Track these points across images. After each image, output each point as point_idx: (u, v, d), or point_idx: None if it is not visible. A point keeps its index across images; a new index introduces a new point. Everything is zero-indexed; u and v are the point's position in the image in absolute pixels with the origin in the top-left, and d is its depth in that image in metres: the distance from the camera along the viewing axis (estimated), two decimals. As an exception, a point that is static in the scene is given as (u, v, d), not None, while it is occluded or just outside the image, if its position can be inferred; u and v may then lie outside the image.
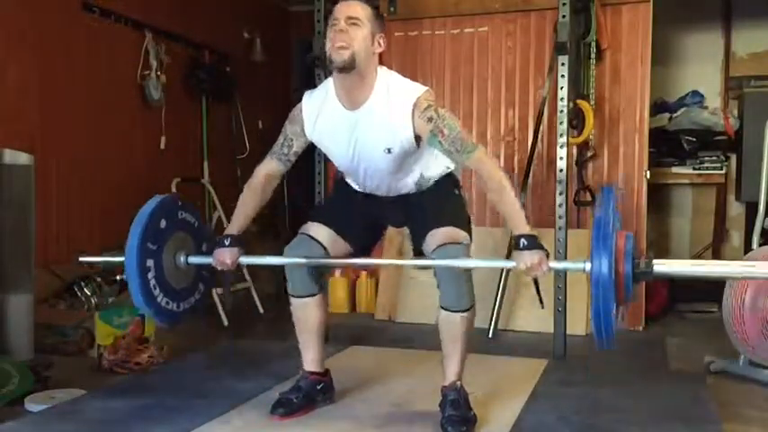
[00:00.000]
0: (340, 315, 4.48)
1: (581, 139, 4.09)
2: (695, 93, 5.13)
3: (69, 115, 4.05)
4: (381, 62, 2.33)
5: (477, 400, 2.41)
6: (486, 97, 4.48)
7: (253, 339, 3.92)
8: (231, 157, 5.41)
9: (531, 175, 4.14)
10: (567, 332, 3.40)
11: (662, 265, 2.09)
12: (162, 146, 4.72)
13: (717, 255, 5.17)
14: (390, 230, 4.40)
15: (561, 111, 3.36)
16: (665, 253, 5.30)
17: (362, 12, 2.26)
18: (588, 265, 2.02)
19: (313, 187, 3.82)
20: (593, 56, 4.16)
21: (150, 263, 2.39)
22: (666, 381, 2.97)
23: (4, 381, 2.75)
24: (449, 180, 2.49)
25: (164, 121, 4.71)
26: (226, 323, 4.29)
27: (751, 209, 4.26)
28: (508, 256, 3.98)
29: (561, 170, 3.36)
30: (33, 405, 2.66)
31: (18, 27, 3.73)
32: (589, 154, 4.27)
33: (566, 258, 3.34)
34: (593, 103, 4.14)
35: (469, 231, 2.41)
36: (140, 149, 4.58)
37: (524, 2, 4.29)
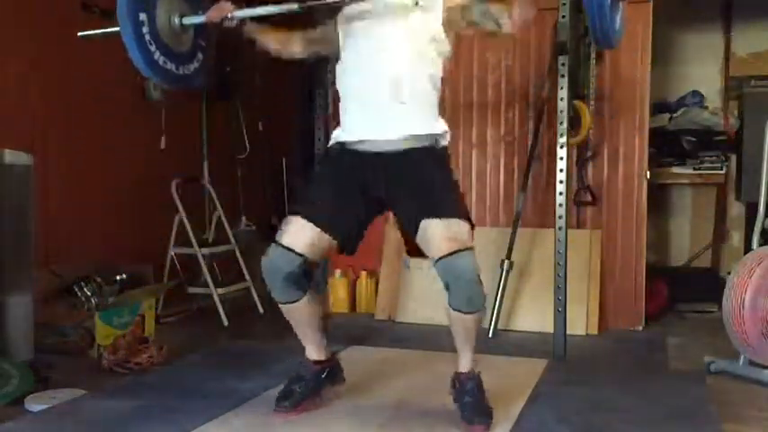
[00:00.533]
0: (340, 315, 4.48)
1: (579, 138, 4.09)
2: (695, 93, 5.13)
3: (69, 115, 4.05)
4: None
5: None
6: (487, 97, 4.47)
7: (253, 339, 3.92)
8: (231, 157, 5.41)
9: (530, 175, 4.15)
10: (567, 332, 3.40)
11: None
12: (162, 146, 4.72)
13: (717, 254, 5.17)
14: (389, 230, 4.43)
15: (561, 111, 3.36)
16: (664, 253, 5.31)
17: None
18: None
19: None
20: (593, 56, 4.15)
21: (143, 16, 2.36)
22: (666, 381, 2.97)
23: (4, 381, 2.76)
24: (441, 153, 2.41)
25: (164, 121, 4.70)
26: (226, 323, 4.29)
27: (751, 209, 4.26)
28: (509, 256, 4.00)
29: (561, 170, 3.36)
30: (33, 405, 2.67)
31: (18, 27, 3.73)
32: (589, 154, 4.27)
33: (566, 259, 3.35)
34: (592, 103, 4.14)
35: (468, 216, 2.32)
36: (140, 149, 4.58)
37: (524, 2, 4.29)
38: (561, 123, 3.37)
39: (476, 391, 2.33)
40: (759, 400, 2.84)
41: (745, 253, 3.45)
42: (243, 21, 2.49)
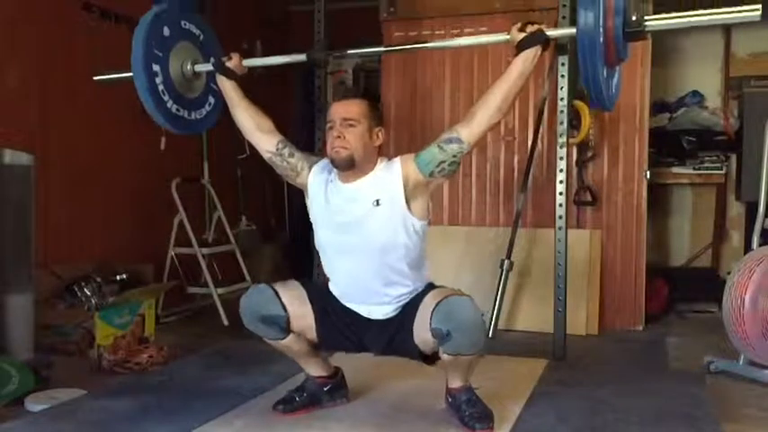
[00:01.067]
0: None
1: (580, 138, 4.09)
2: (695, 93, 5.13)
3: (69, 115, 4.05)
4: (381, 153, 2.36)
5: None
6: (486, 97, 4.46)
7: (253, 339, 3.90)
8: (231, 157, 5.40)
9: (531, 175, 4.15)
10: (567, 332, 3.40)
11: (655, 21, 2.01)
12: (162, 146, 4.71)
13: (716, 254, 5.17)
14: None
15: (561, 111, 3.36)
16: (664, 253, 5.31)
17: (358, 109, 2.29)
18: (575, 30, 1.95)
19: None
20: (593, 56, 4.15)
21: (156, 68, 2.48)
22: (666, 381, 2.97)
23: (4, 381, 2.76)
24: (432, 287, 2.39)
25: (164, 121, 4.70)
26: (226, 323, 4.29)
27: (751, 209, 4.26)
28: (509, 256, 4.00)
29: (561, 170, 3.36)
30: (33, 405, 2.67)
31: (18, 27, 3.73)
32: (589, 154, 4.27)
33: (566, 259, 3.35)
34: (593, 103, 4.14)
35: None
36: (140, 149, 4.58)
37: (524, 2, 4.29)
38: (561, 123, 3.37)
39: (471, 400, 2.32)
40: (759, 400, 2.84)
41: (745, 253, 3.45)
42: (252, 69, 2.59)
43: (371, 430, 2.32)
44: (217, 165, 5.20)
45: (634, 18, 2.07)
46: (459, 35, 4.47)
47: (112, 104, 4.36)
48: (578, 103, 4.02)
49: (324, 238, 2.40)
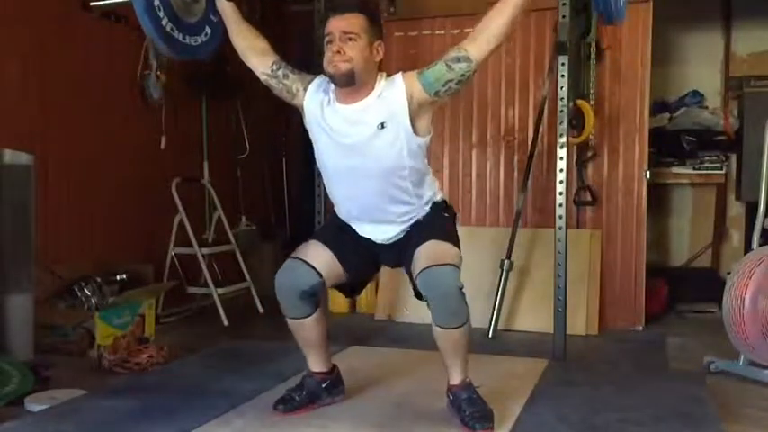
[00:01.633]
0: (340, 315, 4.48)
1: (581, 139, 4.09)
2: (695, 93, 5.13)
3: (69, 115, 4.05)
4: (381, 68, 2.30)
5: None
6: (487, 97, 4.47)
7: (253, 339, 3.92)
8: (231, 157, 5.41)
9: (531, 175, 4.15)
10: (567, 332, 3.40)
11: None
12: (162, 146, 4.71)
13: (716, 254, 5.17)
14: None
15: (561, 111, 3.37)
16: (664, 253, 5.31)
17: (357, 22, 2.22)
18: None
19: (313, 190, 3.83)
20: (593, 56, 4.16)
21: None
22: (666, 381, 2.97)
23: (4, 381, 2.75)
24: (439, 208, 2.41)
25: (164, 121, 4.70)
26: (226, 323, 4.29)
27: (751, 209, 4.26)
28: (509, 256, 4.00)
29: (561, 170, 3.36)
30: (33, 405, 2.67)
31: (18, 27, 3.73)
32: (589, 154, 4.27)
33: (566, 259, 3.35)
34: (593, 103, 4.15)
35: (457, 245, 2.33)
36: (140, 149, 4.58)
37: (524, 2, 4.29)
38: (561, 123, 3.37)
39: (472, 398, 2.31)
40: (759, 400, 2.84)
41: (745, 253, 3.45)
42: None
43: (372, 430, 2.32)
44: (217, 165, 5.20)
45: None
46: (459, 35, 4.47)
47: (112, 104, 4.37)
48: (582, 103, 4.03)
49: (325, 162, 2.36)
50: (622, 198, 4.25)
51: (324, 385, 2.50)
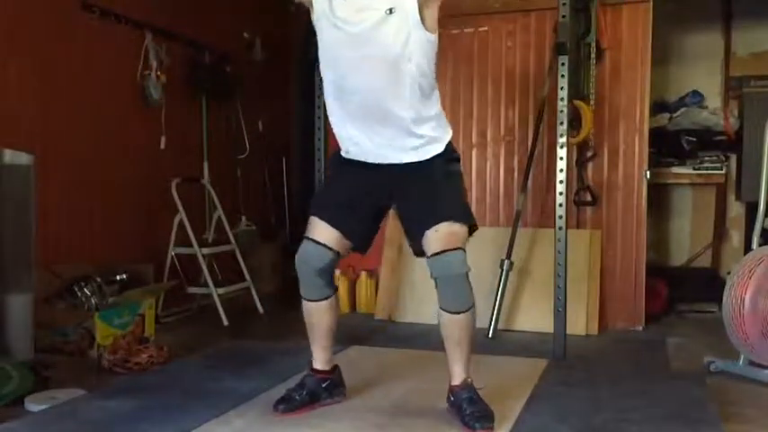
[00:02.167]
0: (340, 315, 4.45)
1: (579, 138, 4.09)
2: (695, 93, 5.13)
3: (69, 115, 4.05)
4: None
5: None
6: (486, 97, 4.48)
7: (253, 339, 3.92)
8: (231, 157, 5.41)
9: (531, 175, 4.15)
10: (567, 332, 3.40)
11: None
12: (162, 146, 4.72)
13: (716, 254, 5.17)
14: (390, 230, 4.43)
15: (561, 111, 3.36)
16: (664, 253, 5.31)
17: None
18: None
19: (313, 190, 3.82)
20: (593, 56, 4.16)
21: None
22: (666, 381, 2.97)
23: (4, 381, 2.75)
24: (446, 155, 2.40)
25: (164, 121, 4.70)
26: (226, 323, 4.29)
27: (751, 209, 4.26)
28: (509, 256, 4.00)
29: (561, 170, 3.36)
30: (33, 405, 2.67)
31: (18, 27, 3.73)
32: (589, 154, 4.27)
33: (566, 259, 3.34)
34: (592, 103, 4.15)
35: (470, 217, 2.38)
36: (140, 149, 4.58)
37: (524, 2, 4.29)
38: (561, 123, 3.37)
39: (473, 398, 2.32)
40: (759, 400, 2.84)
41: (745, 253, 3.45)
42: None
43: (371, 430, 2.32)
44: (217, 165, 5.21)
45: None
46: (459, 35, 4.48)
47: (112, 104, 4.37)
48: (580, 103, 4.03)
49: (330, 58, 2.34)
50: (622, 198, 4.25)
51: (324, 385, 2.51)
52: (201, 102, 5.15)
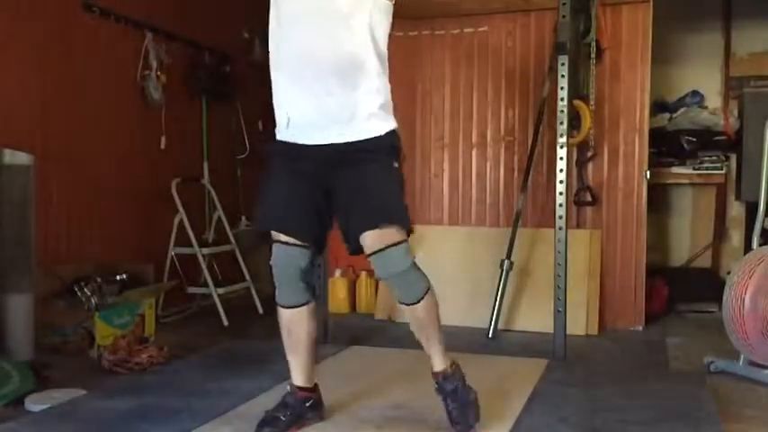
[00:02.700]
0: (340, 315, 4.48)
1: (579, 139, 4.09)
2: (695, 93, 5.13)
3: (69, 115, 4.05)
4: None
5: (479, 400, 2.40)
6: (487, 97, 4.48)
7: (253, 339, 3.92)
8: (231, 157, 5.41)
9: (531, 175, 4.15)
10: (567, 332, 3.40)
11: None
12: (162, 146, 4.72)
13: (716, 254, 5.17)
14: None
15: (561, 111, 3.36)
16: (664, 253, 5.31)
17: None
18: None
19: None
20: (593, 56, 4.16)
21: None
22: (666, 381, 2.97)
23: (4, 381, 2.75)
24: (389, 148, 2.25)
25: (164, 121, 4.70)
26: (226, 323, 4.29)
27: (751, 209, 4.26)
28: (509, 256, 4.00)
29: (561, 170, 3.36)
30: (33, 405, 2.67)
31: (18, 27, 3.73)
32: (589, 154, 4.27)
33: (566, 259, 3.34)
34: (592, 103, 4.15)
35: (400, 214, 2.23)
36: (140, 149, 4.58)
37: (524, 2, 4.29)
38: (561, 123, 3.36)
39: (458, 392, 2.28)
40: (759, 400, 2.84)
41: (745, 253, 3.45)
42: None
43: (371, 431, 2.32)
44: (217, 165, 5.21)
45: None
46: (459, 35, 4.48)
47: (113, 104, 4.38)
48: (579, 103, 4.03)
49: (281, 12, 2.24)
50: (622, 198, 4.25)
51: (307, 404, 2.37)
52: (201, 102, 5.15)
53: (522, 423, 2.36)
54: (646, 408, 2.52)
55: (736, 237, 5.17)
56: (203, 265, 4.51)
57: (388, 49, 2.28)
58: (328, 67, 2.17)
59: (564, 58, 3.36)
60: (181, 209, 4.52)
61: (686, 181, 5.06)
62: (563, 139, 3.36)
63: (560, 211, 3.35)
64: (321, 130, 2.23)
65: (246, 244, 5.02)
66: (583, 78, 4.16)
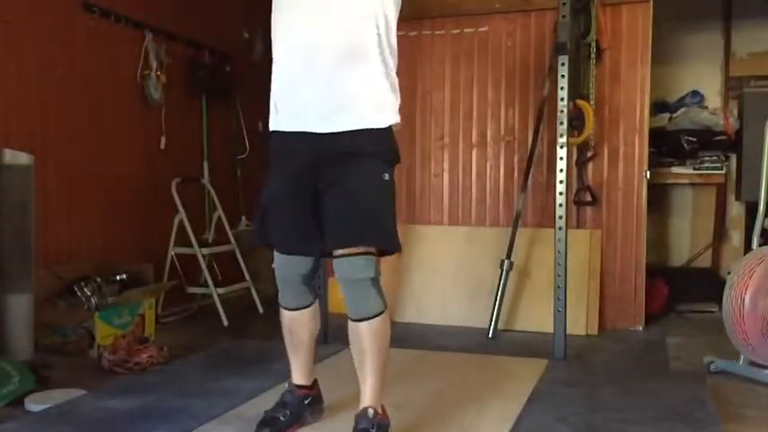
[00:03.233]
0: (340, 315, 4.46)
1: (581, 139, 4.09)
2: (695, 93, 5.14)
3: (69, 115, 4.05)
4: None
5: (478, 400, 2.40)
6: (486, 97, 4.47)
7: (253, 339, 3.92)
8: (231, 157, 5.41)
9: (531, 175, 4.15)
10: (567, 332, 3.40)
11: None
12: (162, 146, 4.72)
13: (717, 254, 5.17)
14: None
15: (561, 111, 3.36)
16: (664, 253, 5.31)
17: None
18: None
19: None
20: (593, 56, 4.16)
21: None
22: (666, 381, 2.97)
23: (4, 381, 2.75)
24: (385, 153, 2.17)
25: (164, 121, 4.70)
26: (226, 323, 4.29)
27: (751, 209, 4.27)
28: (509, 256, 4.00)
29: (561, 170, 3.36)
30: (33, 405, 2.67)
31: (18, 27, 3.73)
32: (589, 154, 4.27)
33: (566, 259, 3.34)
34: (592, 103, 4.15)
35: (388, 240, 2.17)
36: (140, 149, 4.58)
37: (524, 2, 4.29)
38: (561, 123, 3.36)
39: None
40: (759, 400, 2.84)
41: (745, 253, 3.45)
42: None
43: (371, 430, 2.32)
44: (217, 165, 5.21)
45: None
46: (459, 35, 4.48)
47: (113, 104, 4.37)
48: (582, 103, 4.03)
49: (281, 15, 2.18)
50: (622, 198, 4.25)
51: (306, 402, 2.38)
52: (201, 102, 5.15)
53: (521, 423, 2.36)
54: (646, 408, 2.52)
55: (736, 237, 5.17)
56: (203, 265, 4.51)
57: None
58: (330, 54, 2.10)
59: (564, 58, 3.36)
60: (181, 209, 4.52)
61: (686, 181, 5.06)
62: (563, 139, 3.36)
63: (560, 211, 3.35)
64: (321, 119, 2.12)
65: (246, 244, 5.01)
66: (583, 78, 4.17)
